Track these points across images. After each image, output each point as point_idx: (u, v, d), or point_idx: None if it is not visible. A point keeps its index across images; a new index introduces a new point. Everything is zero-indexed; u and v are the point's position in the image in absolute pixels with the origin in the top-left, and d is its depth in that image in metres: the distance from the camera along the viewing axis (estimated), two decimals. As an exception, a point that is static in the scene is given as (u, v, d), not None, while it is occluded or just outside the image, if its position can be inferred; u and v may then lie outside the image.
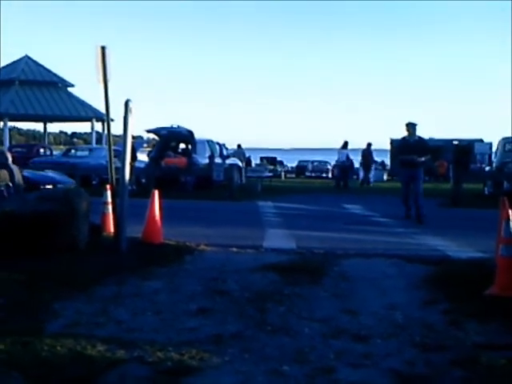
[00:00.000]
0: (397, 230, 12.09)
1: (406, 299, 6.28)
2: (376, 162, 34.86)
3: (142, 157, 25.34)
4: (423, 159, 13.55)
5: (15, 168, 11.77)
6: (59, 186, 15.44)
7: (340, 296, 6.37)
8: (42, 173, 17.53)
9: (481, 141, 36.27)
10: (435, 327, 5.26)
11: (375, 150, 32.11)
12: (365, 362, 4.41)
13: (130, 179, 9.56)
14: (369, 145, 30.82)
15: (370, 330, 5.17)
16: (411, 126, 13.63)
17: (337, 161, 29.07)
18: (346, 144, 28.26)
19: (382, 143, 33.49)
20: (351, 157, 29.00)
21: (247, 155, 36.41)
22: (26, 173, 17.38)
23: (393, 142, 33.67)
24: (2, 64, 40.55)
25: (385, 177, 32.48)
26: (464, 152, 21.32)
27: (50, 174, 17.59)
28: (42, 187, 14.57)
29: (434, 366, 4.36)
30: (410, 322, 5.43)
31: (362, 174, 31.22)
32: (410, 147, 13.54)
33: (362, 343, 4.82)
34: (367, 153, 30.35)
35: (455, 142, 29.39)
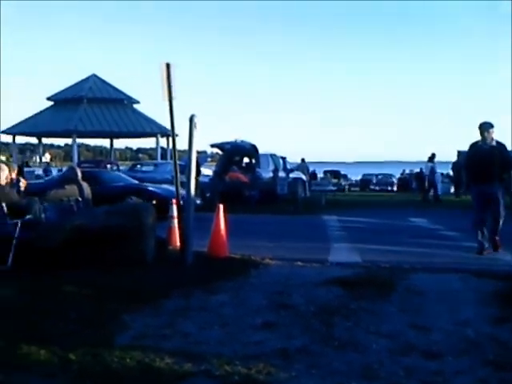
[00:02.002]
0: (465, 243, 11.77)
1: (477, 315, 6.10)
2: (442, 174, 34.15)
3: (207, 171, 25.62)
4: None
5: (84, 183, 12.07)
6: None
7: (408, 311, 6.25)
8: (171, 188, 17.74)
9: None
10: (509, 345, 5.08)
11: (440, 162, 31.31)
12: (436, 379, 4.30)
13: (196, 193, 9.65)
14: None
15: (440, 346, 5.04)
16: (485, 128, 10.00)
17: (401, 173, 28.21)
18: (433, 156, 27.27)
19: (447, 155, 32.74)
20: (437, 170, 28.05)
21: (312, 169, 36.26)
22: (152, 187, 17.59)
23: (460, 153, 32.90)
24: (71, 83, 41.97)
25: (452, 189, 31.68)
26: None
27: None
28: (170, 203, 14.98)
29: (508, 384, 4.21)
30: (482, 338, 5.26)
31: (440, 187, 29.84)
32: (482, 156, 10.01)
33: (432, 360, 4.69)
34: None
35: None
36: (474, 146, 10.33)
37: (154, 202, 15.15)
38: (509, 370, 4.47)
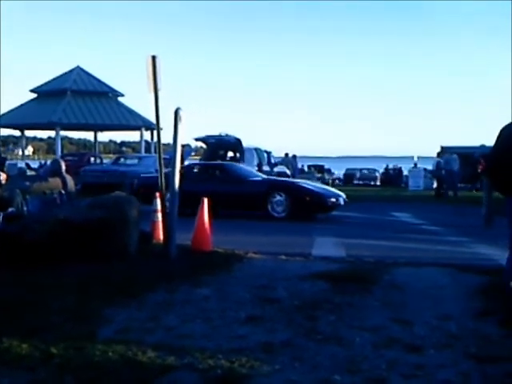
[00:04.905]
0: (449, 238, 11.86)
1: (460, 309, 6.13)
2: (425, 169, 34.89)
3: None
4: None
5: (68, 176, 11.99)
6: (340, 198, 15.55)
7: (391, 305, 6.26)
8: (324, 186, 17.64)
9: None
10: (491, 338, 5.11)
11: (425, 157, 31.33)
12: (418, 372, 4.31)
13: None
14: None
15: (423, 340, 5.06)
16: None
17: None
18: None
19: (429, 151, 32.71)
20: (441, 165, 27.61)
21: (300, 165, 36.22)
22: (304, 184, 16.22)
23: (443, 149, 32.84)
24: (55, 75, 41.63)
25: (435, 185, 31.88)
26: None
27: (331, 189, 17.31)
28: (328, 200, 15.17)
29: (490, 378, 4.23)
30: (465, 332, 5.29)
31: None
32: None
33: (414, 354, 4.70)
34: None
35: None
36: (506, 131, 5.51)
37: (308, 198, 15.02)
38: (491, 362, 4.49)
